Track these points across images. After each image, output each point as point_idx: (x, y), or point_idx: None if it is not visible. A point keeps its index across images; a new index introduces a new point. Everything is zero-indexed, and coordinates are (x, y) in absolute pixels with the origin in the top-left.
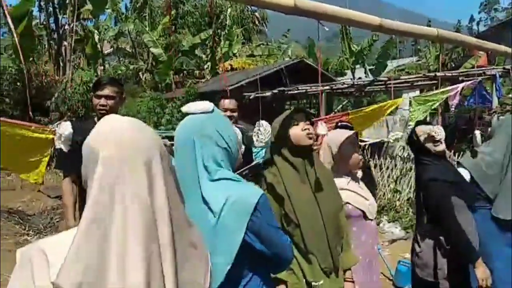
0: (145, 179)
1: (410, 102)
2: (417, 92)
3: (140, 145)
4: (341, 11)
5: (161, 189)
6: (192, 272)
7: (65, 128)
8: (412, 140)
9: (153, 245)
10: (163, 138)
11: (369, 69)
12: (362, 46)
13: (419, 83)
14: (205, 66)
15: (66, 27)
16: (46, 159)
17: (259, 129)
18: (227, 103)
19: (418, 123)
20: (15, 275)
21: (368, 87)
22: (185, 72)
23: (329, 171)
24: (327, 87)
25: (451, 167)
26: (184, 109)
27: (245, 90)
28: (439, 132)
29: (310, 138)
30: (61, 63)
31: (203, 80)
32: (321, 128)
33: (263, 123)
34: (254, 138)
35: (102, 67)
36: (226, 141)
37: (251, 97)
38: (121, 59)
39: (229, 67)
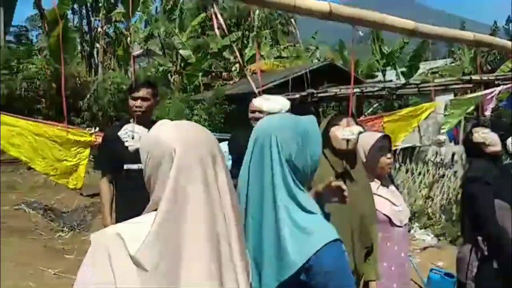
0: (213, 174)
1: (446, 106)
2: (451, 96)
3: (206, 143)
4: (376, 16)
5: (224, 182)
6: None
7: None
8: (468, 139)
9: (221, 238)
10: None
11: (401, 72)
12: (394, 48)
13: (453, 86)
14: (233, 68)
15: (99, 30)
16: (85, 162)
17: None
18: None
19: (476, 124)
20: (89, 260)
21: (400, 90)
22: (213, 74)
23: (367, 179)
24: (357, 90)
25: (505, 168)
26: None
27: (273, 92)
28: (492, 139)
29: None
30: (93, 65)
31: (231, 82)
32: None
33: None
34: None
35: (132, 69)
36: (304, 161)
37: None
38: (150, 60)
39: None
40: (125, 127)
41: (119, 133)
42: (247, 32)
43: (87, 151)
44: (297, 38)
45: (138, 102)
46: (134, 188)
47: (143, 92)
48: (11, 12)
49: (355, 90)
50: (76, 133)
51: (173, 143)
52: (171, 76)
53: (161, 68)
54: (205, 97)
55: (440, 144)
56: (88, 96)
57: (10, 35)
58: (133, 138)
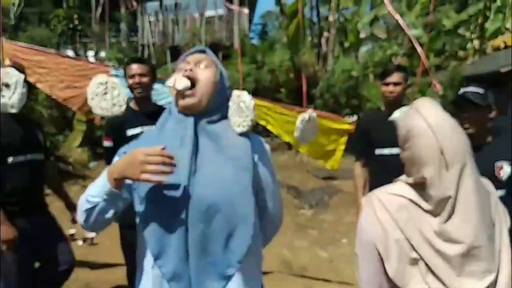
0: (469, 168)
1: None
2: None
3: (466, 140)
4: None
5: (475, 172)
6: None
7: None
8: None
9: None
10: None
11: None
12: None
13: None
14: (469, 46)
15: (331, 18)
16: (342, 147)
17: None
18: None
19: None
20: (363, 214)
21: None
22: (446, 53)
23: None
24: None
25: None
26: None
27: None
28: None
29: None
30: (320, 54)
31: (468, 62)
32: None
33: None
34: None
35: (358, 54)
36: None
37: None
38: (374, 45)
39: (503, 44)
40: (398, 110)
41: (390, 118)
42: (488, 3)
43: (345, 138)
44: None
45: (391, 87)
46: (385, 172)
47: (395, 77)
48: (253, 11)
49: None
50: (336, 121)
51: (440, 133)
52: (396, 58)
53: (388, 52)
54: (438, 79)
55: None
56: (320, 84)
57: (252, 32)
58: None
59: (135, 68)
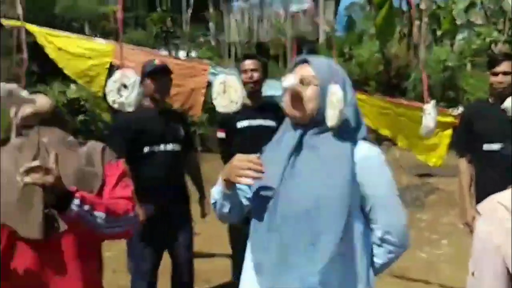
0: None
1: None
2: None
3: None
4: None
5: None
6: None
7: None
8: None
9: None
10: None
11: None
12: None
13: None
14: None
15: (422, 6)
16: (447, 141)
17: None
18: None
19: None
20: (485, 222)
21: None
22: None
23: None
24: None
25: None
26: None
27: None
28: None
29: None
30: (411, 44)
31: None
32: None
33: None
34: None
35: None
36: None
37: None
38: (471, 32)
39: None
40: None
41: (502, 106)
42: None
43: (449, 131)
44: None
45: (500, 77)
46: (494, 169)
47: (504, 67)
48: (338, 4)
49: None
50: (439, 113)
51: None
52: (495, 46)
53: (487, 39)
54: None
55: None
56: (412, 76)
57: (337, 25)
58: None
59: (248, 63)
